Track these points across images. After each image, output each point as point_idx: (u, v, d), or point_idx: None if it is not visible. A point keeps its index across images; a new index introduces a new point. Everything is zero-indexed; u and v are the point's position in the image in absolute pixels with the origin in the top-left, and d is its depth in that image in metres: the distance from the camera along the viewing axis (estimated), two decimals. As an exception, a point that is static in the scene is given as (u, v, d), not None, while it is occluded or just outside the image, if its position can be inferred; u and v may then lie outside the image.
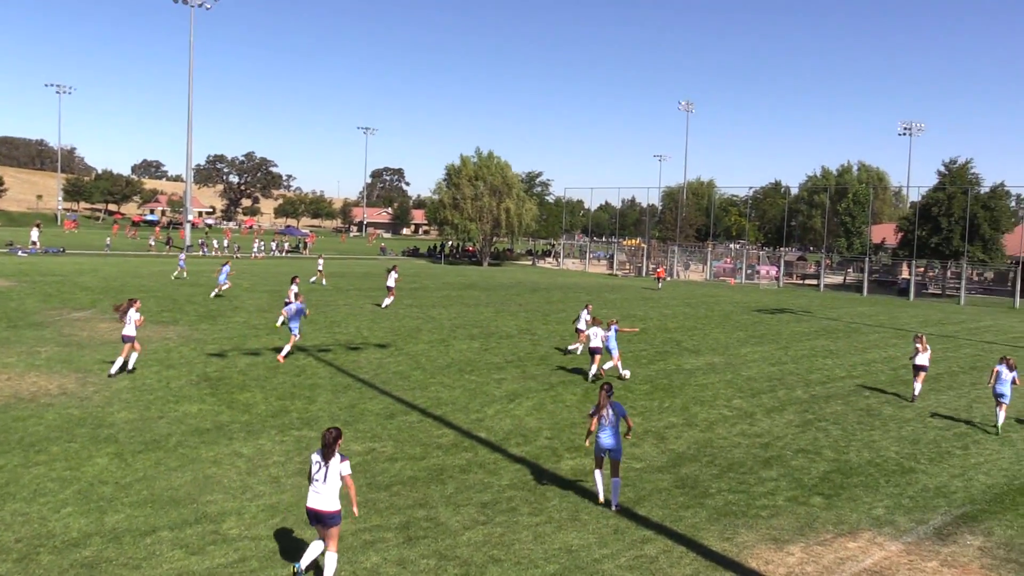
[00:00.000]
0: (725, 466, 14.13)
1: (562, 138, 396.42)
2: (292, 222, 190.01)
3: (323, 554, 9.17)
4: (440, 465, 13.43)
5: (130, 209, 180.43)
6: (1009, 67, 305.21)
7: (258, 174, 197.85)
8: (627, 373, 21.84)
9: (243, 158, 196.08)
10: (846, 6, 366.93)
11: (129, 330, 19.39)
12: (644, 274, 75.94)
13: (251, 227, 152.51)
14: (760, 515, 11.78)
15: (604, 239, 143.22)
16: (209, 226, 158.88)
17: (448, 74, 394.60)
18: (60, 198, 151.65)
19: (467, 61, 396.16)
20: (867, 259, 65.96)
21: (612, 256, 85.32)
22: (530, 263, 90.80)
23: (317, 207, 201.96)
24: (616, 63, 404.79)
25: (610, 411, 11.85)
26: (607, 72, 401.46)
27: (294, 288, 30.09)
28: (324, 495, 9.02)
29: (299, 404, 17.25)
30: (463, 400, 18.36)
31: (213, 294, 37.01)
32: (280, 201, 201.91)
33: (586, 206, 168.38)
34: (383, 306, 35.56)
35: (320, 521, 9.05)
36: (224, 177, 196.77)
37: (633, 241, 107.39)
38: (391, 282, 36.49)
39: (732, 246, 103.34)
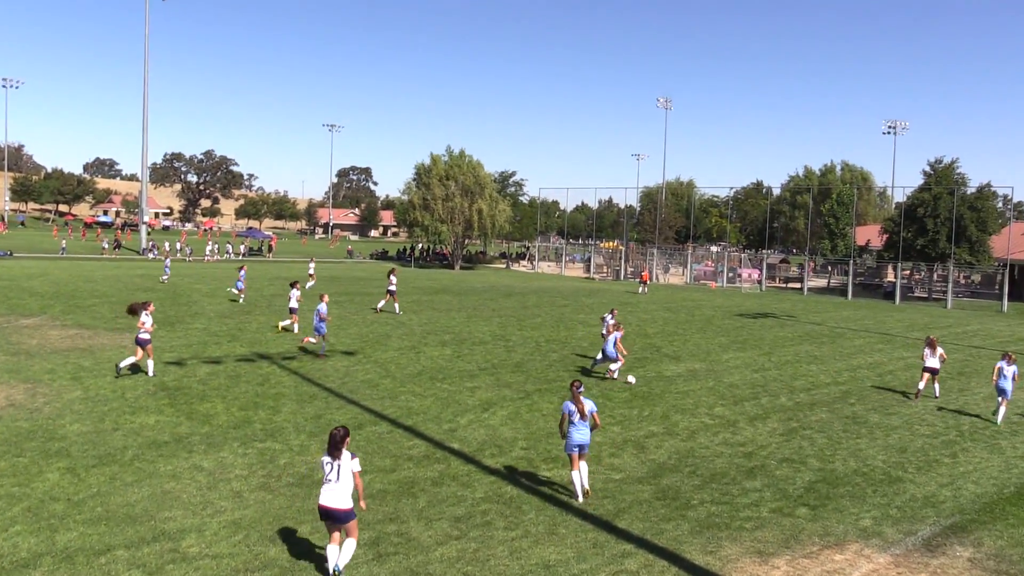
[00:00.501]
0: (707, 476, 14.19)
1: (536, 136, 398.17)
2: (254, 223, 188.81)
3: (341, 546, 9.66)
4: (411, 478, 13.37)
5: (82, 210, 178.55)
6: (995, 65, 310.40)
7: (218, 173, 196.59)
8: (632, 379, 22.48)
9: (202, 156, 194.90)
10: (829, 1, 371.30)
11: (142, 335, 20.21)
12: (622, 277, 76.21)
13: (209, 229, 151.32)
14: (744, 527, 11.84)
15: (581, 241, 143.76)
16: (166, 228, 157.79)
17: (418, 69, 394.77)
18: (7, 198, 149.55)
19: (438, 55, 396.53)
20: (851, 262, 66.65)
21: (589, 259, 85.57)
22: (504, 266, 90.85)
23: (280, 208, 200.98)
24: (592, 58, 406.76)
25: (586, 407, 12.63)
26: (583, 68, 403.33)
27: (295, 293, 30.05)
28: (338, 493, 9.53)
29: (263, 415, 17.11)
30: (435, 410, 18.30)
31: (231, 298, 38.46)
32: (241, 202, 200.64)
33: (562, 207, 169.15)
34: (378, 308, 36.77)
35: (334, 518, 9.57)
36: (182, 176, 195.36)
37: (611, 243, 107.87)
38: (392, 286, 37.33)
39: (713, 248, 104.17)
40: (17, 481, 12.39)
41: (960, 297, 62.94)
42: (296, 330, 28.94)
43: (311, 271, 51.68)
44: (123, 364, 20.33)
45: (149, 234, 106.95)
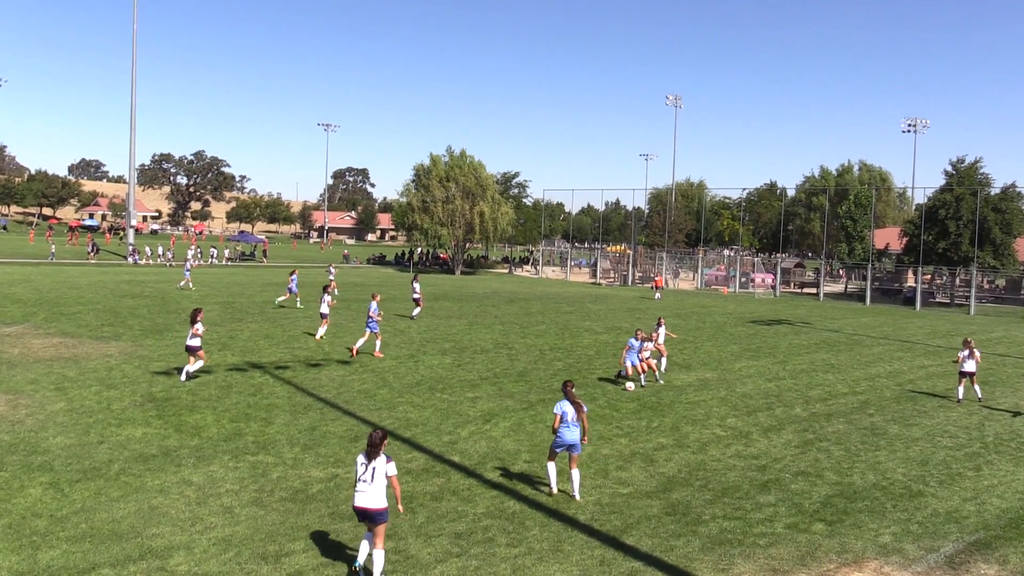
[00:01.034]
0: (719, 490, 14.17)
1: (540, 136, 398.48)
2: (246, 227, 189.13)
3: (369, 555, 10.12)
4: (409, 492, 13.36)
5: (67, 213, 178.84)
6: (1020, 60, 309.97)
7: (208, 175, 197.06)
8: (631, 385, 23.02)
9: (192, 157, 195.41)
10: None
11: (192, 340, 21.30)
12: (630, 283, 76.23)
13: (200, 232, 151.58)
14: (758, 544, 11.81)
15: (587, 245, 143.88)
16: (155, 231, 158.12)
17: (417, 65, 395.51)
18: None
19: (438, 51, 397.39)
20: (870, 266, 66.64)
21: (595, 263, 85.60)
22: (506, 271, 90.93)
23: (274, 211, 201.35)
24: (599, 55, 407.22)
25: (576, 408, 13.28)
26: (589, 65, 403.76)
27: (327, 298, 30.85)
28: (371, 494, 10.00)
29: (254, 427, 17.11)
30: (434, 421, 18.30)
31: (278, 301, 39.72)
32: (233, 204, 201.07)
33: (567, 209, 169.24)
34: (413, 316, 37.72)
35: (370, 519, 10.06)
36: (171, 178, 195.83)
37: (618, 247, 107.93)
38: (417, 293, 39.00)
39: (725, 252, 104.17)
40: (-2, 496, 12.40)
41: (984, 303, 62.85)
42: (318, 336, 29.55)
43: (332, 276, 52.34)
44: (192, 370, 21.51)
45: (121, 239, 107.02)
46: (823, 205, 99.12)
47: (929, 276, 69.16)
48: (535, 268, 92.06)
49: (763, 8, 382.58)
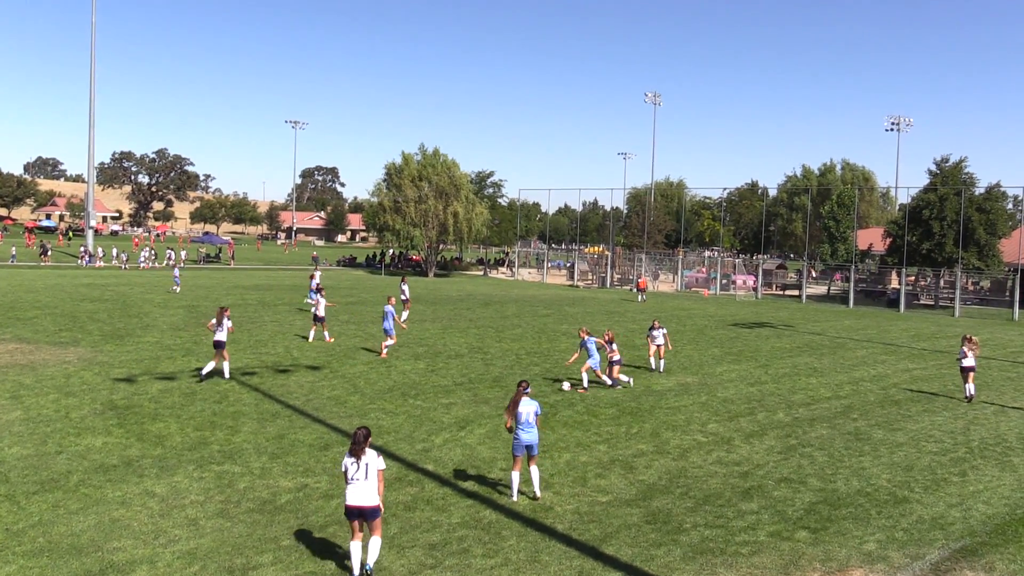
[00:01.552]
0: (701, 498, 14.23)
1: (516, 134, 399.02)
2: (211, 228, 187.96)
3: (364, 548, 10.51)
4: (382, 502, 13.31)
5: (23, 214, 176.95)
6: (1005, 59, 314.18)
7: (171, 174, 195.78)
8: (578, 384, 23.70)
9: (154, 155, 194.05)
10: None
11: (220, 336, 22.54)
12: (608, 285, 76.44)
13: (160, 233, 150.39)
14: (740, 552, 11.87)
15: (564, 246, 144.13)
16: (115, 232, 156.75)
17: (388, 61, 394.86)
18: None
19: (410, 47, 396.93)
20: (853, 267, 67.19)
21: (573, 265, 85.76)
22: (481, 273, 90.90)
23: (240, 211, 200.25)
24: (576, 51, 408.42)
25: (531, 408, 13.71)
26: (565, 61, 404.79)
27: (323, 301, 31.51)
28: (366, 491, 10.43)
29: (220, 435, 17.01)
30: (407, 428, 18.26)
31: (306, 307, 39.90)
32: (197, 204, 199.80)
33: (543, 209, 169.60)
34: (401, 320, 37.09)
35: (365, 516, 10.45)
36: (132, 177, 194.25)
37: (596, 248, 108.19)
38: (406, 294, 39.66)
39: (705, 253, 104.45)
40: (-49, 509, 12.24)
41: (968, 304, 63.50)
42: (312, 338, 30.41)
43: (317, 279, 51.81)
44: (224, 372, 22.61)
45: (71, 240, 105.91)
46: (805, 205, 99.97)
47: (913, 277, 69.86)
48: (511, 270, 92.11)
49: (744, 4, 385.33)
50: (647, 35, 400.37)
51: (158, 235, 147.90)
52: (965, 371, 24.13)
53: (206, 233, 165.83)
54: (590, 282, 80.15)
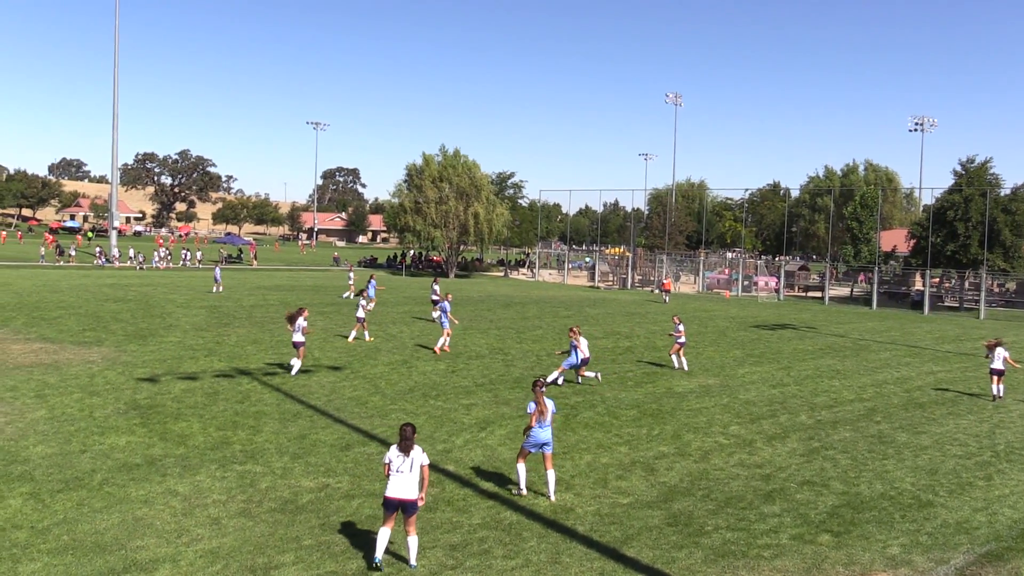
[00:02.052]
0: (722, 500, 14.18)
1: (537, 135, 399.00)
2: (233, 228, 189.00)
3: (405, 545, 10.94)
4: (403, 503, 13.34)
5: (47, 214, 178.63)
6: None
7: (194, 175, 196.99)
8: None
9: (177, 156, 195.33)
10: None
11: (298, 337, 23.79)
12: (629, 286, 76.29)
13: (184, 235, 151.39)
14: (762, 555, 11.82)
15: (584, 247, 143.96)
16: (138, 233, 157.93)
17: (409, 62, 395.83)
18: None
19: (431, 48, 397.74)
20: (876, 269, 66.76)
21: (593, 266, 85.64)
22: (502, 274, 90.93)
23: (261, 212, 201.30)
24: (597, 51, 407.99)
25: (549, 407, 13.90)
26: (586, 62, 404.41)
27: (363, 303, 32.41)
28: (409, 484, 10.85)
29: (242, 435, 17.09)
30: (428, 429, 18.29)
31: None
32: (219, 205, 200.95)
33: (564, 210, 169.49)
34: (435, 319, 38.09)
35: (406, 509, 10.84)
36: (155, 178, 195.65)
37: (616, 249, 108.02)
38: (437, 295, 40.82)
39: (727, 255, 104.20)
40: (-23, 507, 12.36)
41: (994, 306, 62.90)
42: (352, 338, 30.90)
43: (351, 281, 53.90)
44: (294, 372, 23.68)
45: (89, 239, 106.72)
46: (828, 206, 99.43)
47: (937, 279, 69.31)
48: (531, 271, 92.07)
49: (766, 3, 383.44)
50: (668, 36, 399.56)
51: (180, 236, 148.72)
52: (994, 372, 24.52)
53: (228, 234, 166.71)
54: (611, 283, 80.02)
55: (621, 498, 14.10)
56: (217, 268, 53.48)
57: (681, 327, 27.97)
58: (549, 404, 13.91)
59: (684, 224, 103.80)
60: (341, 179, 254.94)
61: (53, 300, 40.60)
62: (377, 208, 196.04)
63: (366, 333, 31.56)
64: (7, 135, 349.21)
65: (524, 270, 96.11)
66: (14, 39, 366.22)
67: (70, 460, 14.90)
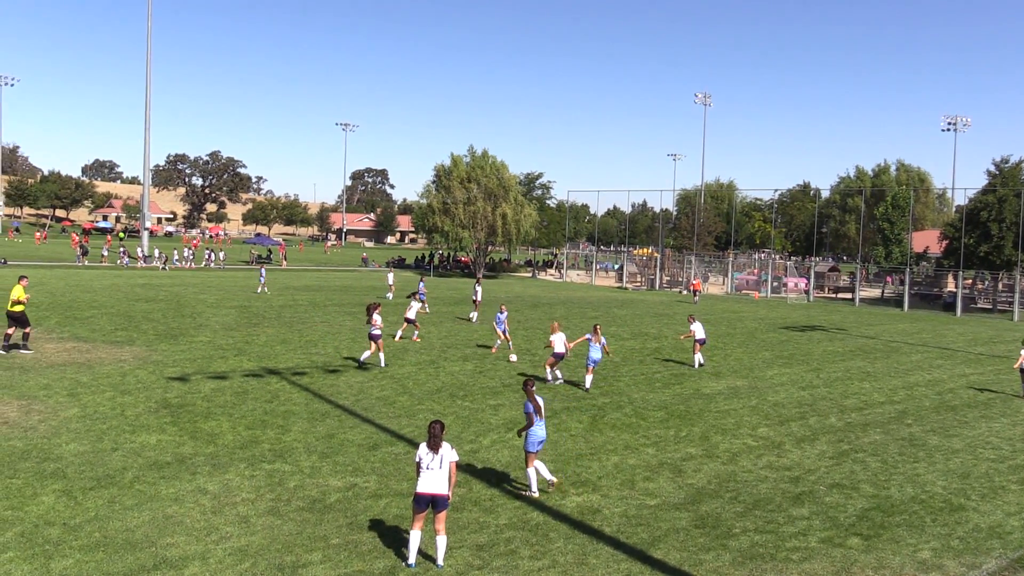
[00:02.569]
0: (750, 503, 14.11)
1: (565, 135, 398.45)
2: (263, 229, 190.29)
3: (434, 546, 11.03)
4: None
5: (80, 215, 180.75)
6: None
7: (224, 176, 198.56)
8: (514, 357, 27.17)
9: (207, 158, 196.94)
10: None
11: (373, 330, 25.10)
12: (658, 287, 76.05)
13: (216, 235, 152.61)
14: (791, 558, 11.75)
15: (612, 248, 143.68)
16: (169, 233, 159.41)
17: (438, 63, 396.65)
18: (0, 203, 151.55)
19: (459, 49, 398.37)
20: (908, 270, 66.10)
21: (621, 267, 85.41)
22: (530, 275, 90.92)
23: (291, 213, 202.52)
24: (625, 51, 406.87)
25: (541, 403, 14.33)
26: (615, 61, 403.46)
27: (415, 304, 32.86)
28: (439, 480, 10.94)
29: (271, 434, 17.21)
30: (455, 429, 18.32)
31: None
32: (249, 206, 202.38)
33: (592, 211, 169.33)
34: (472, 320, 39.62)
35: (437, 505, 10.93)
36: (186, 179, 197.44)
37: (645, 250, 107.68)
38: (478, 296, 41.50)
39: (756, 256, 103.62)
40: (10, 504, 12.52)
41: (1027, 308, 62.14)
42: (398, 337, 31.10)
43: (391, 282, 54.99)
44: (362, 358, 25.23)
45: (121, 239, 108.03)
46: (859, 207, 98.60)
47: (970, 280, 68.52)
48: (559, 272, 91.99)
49: (796, 3, 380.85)
50: (697, 36, 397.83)
51: (211, 236, 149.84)
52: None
53: (257, 234, 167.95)
54: (639, 284, 79.79)
55: (648, 499, 14.06)
56: (263, 269, 53.84)
57: (693, 326, 28.19)
58: (540, 401, 14.41)
59: (713, 225, 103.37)
60: (370, 180, 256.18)
61: (86, 300, 41.05)
62: (405, 209, 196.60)
63: (415, 333, 31.98)
64: (42, 137, 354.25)
65: (552, 271, 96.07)
66: (49, 43, 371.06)
67: (102, 458, 15.06)
